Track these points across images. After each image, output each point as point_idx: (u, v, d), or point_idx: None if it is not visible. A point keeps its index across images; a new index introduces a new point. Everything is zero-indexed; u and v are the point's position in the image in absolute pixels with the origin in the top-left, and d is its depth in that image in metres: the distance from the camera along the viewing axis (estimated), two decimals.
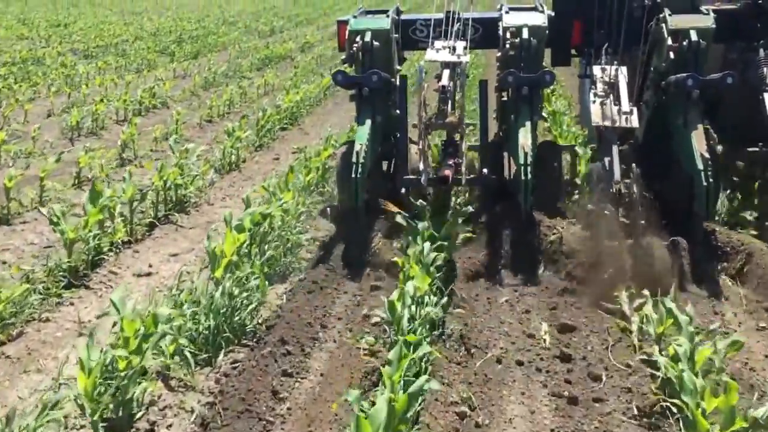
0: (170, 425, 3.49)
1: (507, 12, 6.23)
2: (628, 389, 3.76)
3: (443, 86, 5.50)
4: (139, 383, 3.43)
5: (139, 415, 3.46)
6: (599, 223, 5.17)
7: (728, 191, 6.29)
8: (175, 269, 5.42)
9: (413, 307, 3.98)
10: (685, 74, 5.55)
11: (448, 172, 5.54)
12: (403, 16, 6.75)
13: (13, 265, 5.34)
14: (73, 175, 7.59)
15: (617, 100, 5.82)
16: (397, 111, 6.40)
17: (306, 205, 6.34)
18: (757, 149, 6.38)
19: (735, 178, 6.53)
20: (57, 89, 12.81)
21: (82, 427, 3.39)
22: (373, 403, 2.92)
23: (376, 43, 5.98)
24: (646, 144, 6.20)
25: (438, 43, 5.85)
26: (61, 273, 5.10)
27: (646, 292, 4.39)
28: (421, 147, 5.72)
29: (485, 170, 6.10)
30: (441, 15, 6.13)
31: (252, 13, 33.29)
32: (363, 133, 5.73)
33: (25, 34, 23.12)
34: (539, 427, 3.50)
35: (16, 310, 4.50)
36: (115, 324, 3.76)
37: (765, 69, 6.05)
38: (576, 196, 6.45)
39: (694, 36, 5.67)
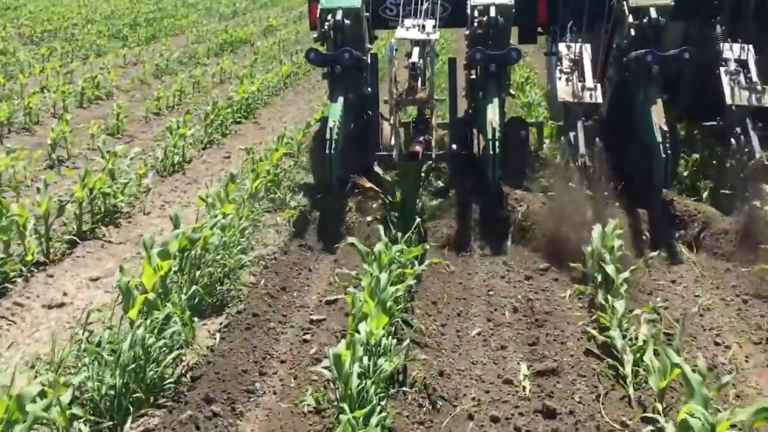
0: None
1: None
2: None
3: (413, 63, 5.67)
4: None
5: None
6: (564, 195, 5.45)
7: (687, 164, 6.56)
8: (95, 298, 4.65)
9: (366, 359, 3.27)
10: (644, 50, 5.73)
11: (418, 148, 5.76)
12: None
13: None
14: None
15: (582, 77, 6.17)
16: (369, 89, 6.50)
17: (251, 217, 5.56)
18: (714, 123, 6.39)
19: (693, 153, 6.69)
20: None
21: None
22: None
23: (347, 22, 6.07)
24: (610, 119, 6.38)
25: (408, 22, 6.01)
26: None
27: (643, 330, 3.72)
28: (392, 123, 5.92)
29: (454, 146, 6.20)
30: None
31: None
32: (336, 110, 5.85)
33: None
34: None
35: None
36: None
37: (721, 45, 6.24)
38: (542, 170, 6.51)
39: (653, 13, 5.82)
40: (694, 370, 2.97)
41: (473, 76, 6.47)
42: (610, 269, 4.17)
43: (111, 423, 3.24)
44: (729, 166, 5.89)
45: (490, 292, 4.74)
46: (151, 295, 3.72)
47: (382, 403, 3.18)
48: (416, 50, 5.79)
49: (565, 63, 6.35)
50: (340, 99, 5.94)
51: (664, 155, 5.41)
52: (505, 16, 6.05)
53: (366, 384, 3.13)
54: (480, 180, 5.94)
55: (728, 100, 5.98)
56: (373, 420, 2.91)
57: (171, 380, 3.56)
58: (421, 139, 5.92)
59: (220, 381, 3.62)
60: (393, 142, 5.92)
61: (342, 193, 5.99)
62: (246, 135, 9.36)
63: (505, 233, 5.55)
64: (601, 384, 3.64)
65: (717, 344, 4.08)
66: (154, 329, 3.61)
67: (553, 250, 5.16)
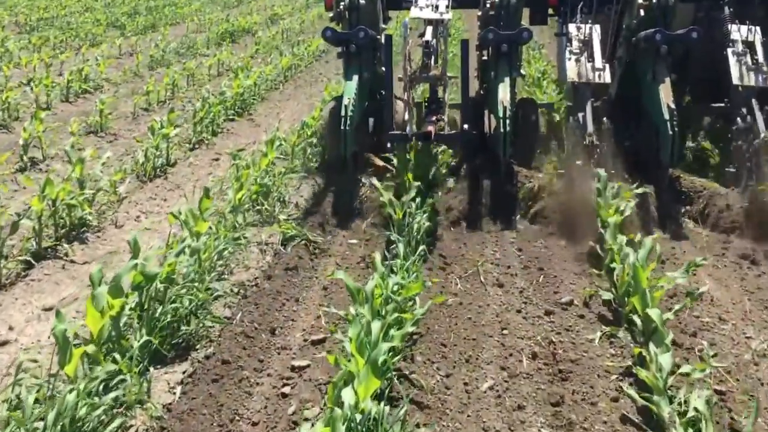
0: None
1: None
2: None
3: (427, 41, 5.93)
4: None
5: None
6: (572, 172, 5.57)
7: (695, 143, 6.74)
8: (44, 334, 4.00)
9: None
10: (653, 30, 5.87)
11: (431, 128, 5.85)
12: None
13: None
14: None
15: (591, 57, 6.35)
16: (383, 68, 6.55)
17: (231, 237, 4.87)
18: (722, 104, 6.45)
19: (701, 131, 6.84)
20: None
21: None
22: None
23: (362, 2, 6.31)
24: (619, 99, 6.54)
25: (422, 2, 6.18)
26: None
27: (697, 404, 3.00)
28: (406, 99, 6.13)
29: (466, 126, 6.13)
30: None
31: None
32: (351, 88, 6.02)
33: None
34: None
35: None
36: None
37: (729, 26, 6.35)
38: (552, 149, 6.63)
39: None
40: None
41: (485, 58, 6.73)
42: (654, 314, 3.45)
43: None
44: (734, 145, 5.98)
45: (505, 331, 4.04)
46: (91, 348, 3.05)
47: None
48: (429, 29, 6.05)
49: (575, 44, 6.51)
50: (355, 77, 6.13)
51: (671, 132, 5.55)
52: None
53: None
54: (491, 158, 6.12)
55: (735, 81, 6.09)
56: None
57: None
58: (433, 118, 6.10)
59: None
60: (407, 119, 6.09)
61: (356, 168, 6.17)
62: (239, 133, 8.68)
63: (514, 209, 5.76)
64: None
65: None
66: (92, 391, 2.93)
67: (561, 226, 5.33)
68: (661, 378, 3.14)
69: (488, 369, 3.68)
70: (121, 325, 3.47)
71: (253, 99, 9.91)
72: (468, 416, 3.31)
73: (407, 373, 3.48)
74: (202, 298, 3.95)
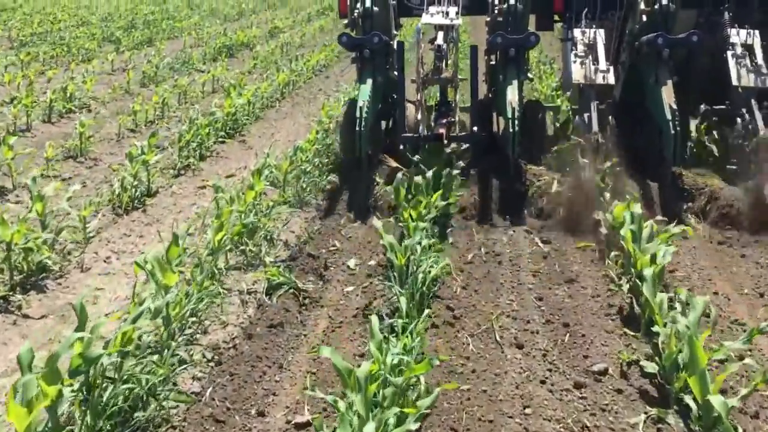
0: None
1: None
2: None
3: (438, 45, 6.33)
4: None
5: None
6: (578, 170, 5.79)
7: (695, 144, 6.89)
8: None
9: None
10: (655, 34, 6.13)
11: (442, 130, 6.22)
12: None
13: None
14: None
15: (595, 60, 6.65)
16: (395, 73, 6.88)
17: (207, 287, 4.21)
18: (723, 107, 6.67)
19: (704, 132, 6.94)
20: None
21: None
22: None
23: (375, 9, 6.55)
24: (623, 102, 6.81)
25: (432, 8, 6.57)
26: None
27: None
28: (419, 99, 6.43)
29: (475, 128, 6.49)
30: None
31: None
32: (365, 91, 6.36)
33: None
34: None
35: None
36: None
37: (728, 30, 6.60)
38: (559, 149, 6.61)
39: (664, 0, 6.18)
40: None
41: (493, 62, 7.06)
42: (717, 403, 2.77)
43: None
44: (735, 143, 6.25)
45: (527, 410, 3.36)
46: None
47: None
48: (440, 34, 6.40)
49: (580, 47, 6.75)
50: (369, 81, 6.45)
51: (673, 132, 5.79)
52: (523, 3, 6.53)
53: None
54: (500, 158, 6.38)
55: (734, 82, 6.35)
56: None
57: None
58: (444, 121, 6.45)
59: None
60: (420, 119, 6.38)
61: (369, 169, 6.41)
62: (229, 157, 8.05)
63: (523, 205, 5.99)
64: None
65: None
66: None
67: (569, 222, 5.55)
68: None
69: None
70: (59, 414, 2.83)
71: (247, 118, 9.28)
72: None
73: None
74: (163, 374, 3.28)
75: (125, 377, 3.13)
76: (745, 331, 3.82)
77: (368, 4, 6.51)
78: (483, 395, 3.49)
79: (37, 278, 4.73)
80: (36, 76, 11.33)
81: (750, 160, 5.90)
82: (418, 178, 5.36)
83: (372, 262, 5.01)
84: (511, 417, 3.32)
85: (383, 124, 7.27)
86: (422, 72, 6.30)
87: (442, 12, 6.44)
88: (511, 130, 5.94)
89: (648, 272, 3.67)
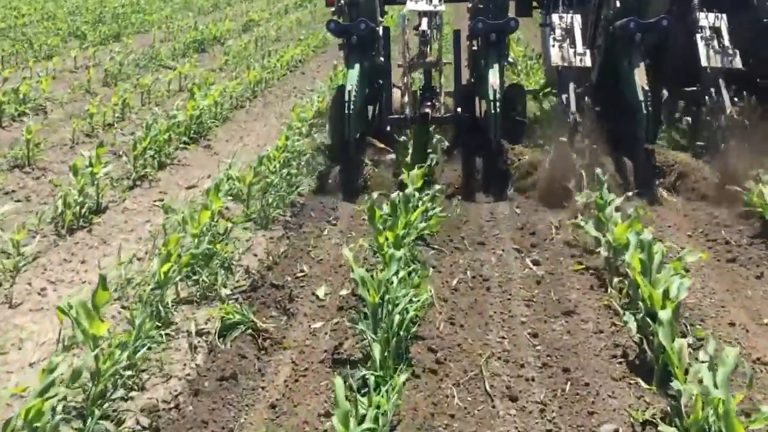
0: None
1: None
2: None
3: (423, 31, 6.71)
4: None
5: None
6: (557, 148, 6.08)
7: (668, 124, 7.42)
8: None
9: None
10: (628, 18, 6.45)
11: (428, 110, 6.71)
12: None
13: None
14: None
15: (573, 44, 6.87)
16: (382, 58, 7.21)
17: (148, 333, 3.59)
18: (694, 88, 7.00)
19: (676, 114, 7.55)
20: None
21: None
22: None
23: None
24: (600, 85, 7.11)
25: None
26: None
27: None
28: (405, 82, 6.91)
29: (459, 109, 7.02)
30: None
31: None
32: (353, 76, 6.50)
33: None
34: None
35: None
36: None
37: (698, 13, 6.88)
38: (538, 130, 7.08)
39: None
40: None
41: (475, 48, 7.36)
42: None
43: None
44: (703, 120, 6.74)
45: None
46: None
47: None
48: (425, 20, 6.77)
49: (558, 32, 6.97)
50: (357, 66, 6.60)
51: (645, 112, 6.18)
52: None
53: None
54: (483, 138, 6.66)
55: (704, 63, 6.67)
56: None
57: None
58: (428, 103, 6.87)
59: None
60: (406, 102, 6.85)
61: (358, 152, 6.59)
62: (192, 164, 7.39)
63: (506, 181, 6.35)
64: None
65: None
66: None
67: (547, 195, 5.94)
68: None
69: None
70: None
71: (213, 121, 8.61)
72: None
73: None
74: None
75: None
76: None
77: None
78: None
79: None
80: None
81: (717, 137, 6.31)
82: (395, 196, 4.76)
83: (344, 291, 4.43)
84: None
85: (369, 109, 7.46)
86: (408, 56, 6.74)
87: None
88: (492, 111, 6.26)
89: (664, 315, 3.09)
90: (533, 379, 3.53)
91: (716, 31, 6.83)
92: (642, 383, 3.36)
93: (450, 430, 3.15)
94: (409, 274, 4.27)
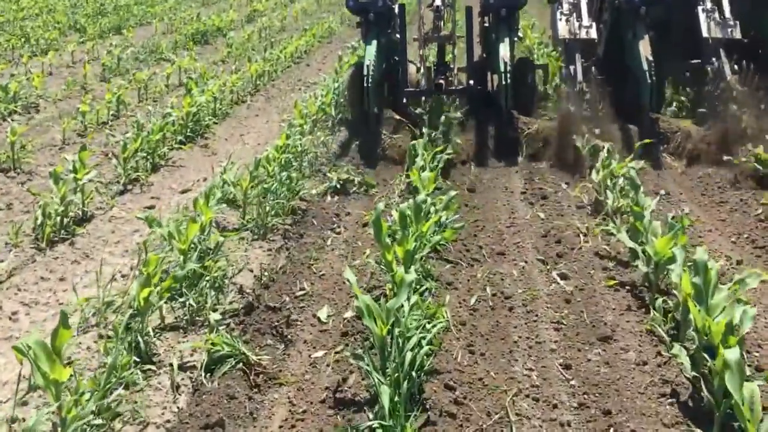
0: None
1: None
2: None
3: (437, 6, 7.61)
4: None
5: None
6: (566, 116, 6.61)
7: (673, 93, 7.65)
8: None
9: None
10: None
11: (442, 81, 7.18)
12: None
13: None
14: None
15: (579, 17, 7.43)
16: (398, 35, 7.55)
17: (121, 374, 3.10)
18: (698, 61, 7.21)
19: (679, 85, 7.73)
20: None
21: None
22: None
23: None
24: (606, 57, 7.42)
25: None
26: None
27: None
28: (420, 55, 7.60)
29: (471, 82, 7.43)
30: None
31: None
32: (371, 51, 6.97)
33: None
34: None
35: None
36: None
37: None
38: (547, 101, 7.72)
39: None
40: None
41: (486, 24, 7.75)
42: None
43: None
44: (705, 89, 6.96)
45: None
46: None
47: None
48: None
49: (565, 6, 7.50)
50: (374, 42, 7.06)
51: (649, 81, 6.50)
52: None
53: None
54: (495, 110, 7.01)
55: (704, 33, 7.01)
56: None
57: None
58: (442, 77, 7.27)
59: None
60: (422, 69, 7.39)
61: (377, 123, 6.99)
62: (188, 166, 6.90)
63: (516, 149, 6.72)
64: None
65: None
66: None
67: (557, 159, 6.42)
68: None
69: None
70: None
71: (211, 118, 8.11)
72: None
73: None
74: None
75: None
76: None
77: None
78: None
79: None
80: None
81: (718, 103, 6.60)
82: (404, 206, 4.24)
83: (349, 314, 3.93)
84: None
85: (385, 85, 7.72)
86: (423, 31, 7.34)
87: None
88: (503, 82, 6.66)
89: (731, 355, 2.56)
90: (569, 425, 3.03)
91: (717, 3, 7.18)
92: None
93: None
94: (422, 294, 3.77)
